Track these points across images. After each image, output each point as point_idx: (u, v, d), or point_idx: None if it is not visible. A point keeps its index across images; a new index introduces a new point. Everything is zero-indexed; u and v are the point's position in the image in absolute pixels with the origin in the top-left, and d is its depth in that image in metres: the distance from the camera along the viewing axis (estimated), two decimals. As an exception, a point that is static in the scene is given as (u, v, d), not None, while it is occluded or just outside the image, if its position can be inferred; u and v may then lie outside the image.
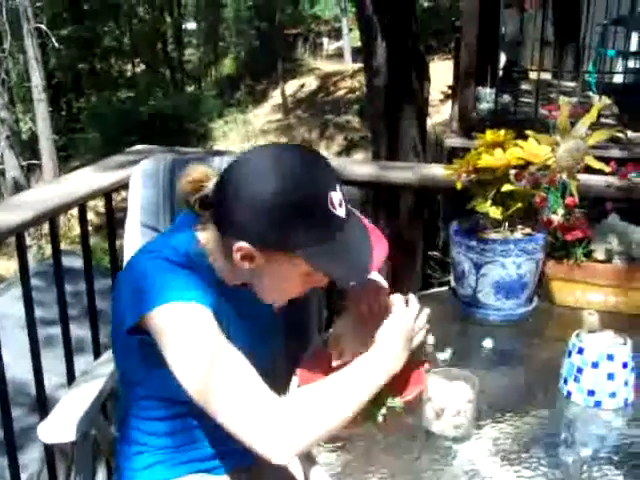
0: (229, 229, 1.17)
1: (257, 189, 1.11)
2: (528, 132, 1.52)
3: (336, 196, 1.14)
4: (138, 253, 1.25)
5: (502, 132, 1.57)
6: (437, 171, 2.07)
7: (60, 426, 1.39)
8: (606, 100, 1.46)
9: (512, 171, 1.59)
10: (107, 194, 2.01)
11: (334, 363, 1.32)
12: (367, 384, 1.17)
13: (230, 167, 1.17)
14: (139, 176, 1.75)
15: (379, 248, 1.25)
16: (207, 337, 1.12)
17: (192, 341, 1.11)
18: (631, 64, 6.97)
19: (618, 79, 6.70)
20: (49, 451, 1.99)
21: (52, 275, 1.92)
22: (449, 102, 12.85)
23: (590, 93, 6.04)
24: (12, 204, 1.78)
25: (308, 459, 1.16)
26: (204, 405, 1.10)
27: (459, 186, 1.59)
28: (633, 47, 7.05)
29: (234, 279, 1.27)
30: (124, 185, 1.90)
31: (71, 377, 2.03)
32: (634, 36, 6.85)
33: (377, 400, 1.25)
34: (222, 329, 1.16)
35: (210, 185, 1.21)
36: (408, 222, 5.18)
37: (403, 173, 2.18)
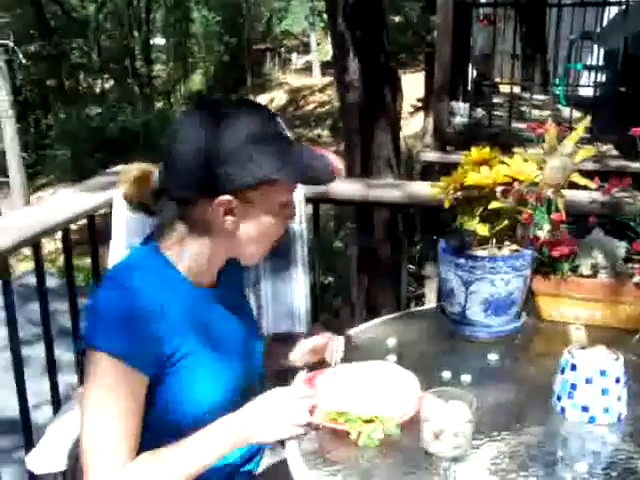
0: (199, 192, 1.18)
1: (211, 140, 1.15)
2: (516, 150, 1.54)
3: (281, 120, 1.22)
4: (103, 280, 1.26)
5: (487, 150, 1.59)
6: (423, 188, 2.08)
7: (50, 455, 1.36)
8: (588, 118, 1.48)
9: (499, 188, 1.60)
10: (90, 217, 1.98)
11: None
12: (203, 460, 1.19)
13: (170, 142, 1.19)
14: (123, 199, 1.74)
15: (332, 158, 1.31)
16: (113, 398, 1.15)
17: (97, 400, 1.16)
18: (598, 77, 7.10)
19: (586, 92, 6.82)
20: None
21: (22, 294, 1.88)
22: (419, 115, 12.98)
23: (559, 106, 6.14)
24: (-3, 228, 1.75)
25: None
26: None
27: (447, 204, 1.59)
28: (599, 61, 7.18)
29: (208, 271, 1.29)
30: (107, 206, 1.88)
31: (55, 400, 1.99)
32: (600, 50, 6.97)
33: (374, 423, 1.25)
34: (197, 333, 1.23)
35: (155, 176, 1.24)
36: (385, 237, 5.21)
37: (390, 191, 2.19)
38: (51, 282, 4.56)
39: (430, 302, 5.23)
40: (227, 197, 1.17)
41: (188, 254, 1.25)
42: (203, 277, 1.29)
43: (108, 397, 1.16)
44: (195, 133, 1.17)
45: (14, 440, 3.10)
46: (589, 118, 1.47)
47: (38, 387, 2.10)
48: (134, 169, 1.26)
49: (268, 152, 1.16)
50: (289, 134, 1.22)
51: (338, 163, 1.31)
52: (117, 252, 1.72)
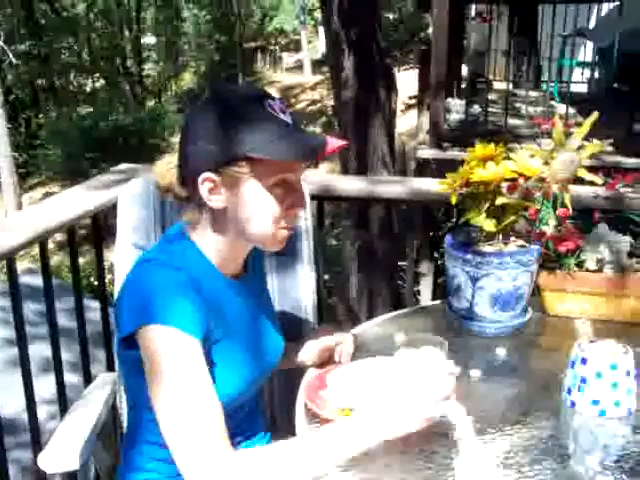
0: (190, 171, 1.21)
1: (194, 121, 1.20)
2: (514, 146, 1.54)
3: (275, 104, 1.20)
4: (135, 265, 1.25)
5: (492, 146, 1.59)
6: (426, 185, 2.09)
7: (62, 454, 1.35)
8: (595, 114, 1.49)
9: (504, 184, 1.61)
10: (95, 216, 1.98)
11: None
12: (337, 456, 1.13)
13: None
14: (128, 196, 1.73)
15: (334, 140, 1.26)
16: (187, 372, 1.12)
17: (172, 372, 1.11)
18: (589, 72, 7.13)
19: (579, 88, 6.84)
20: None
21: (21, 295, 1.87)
22: (411, 112, 12.98)
23: (553, 102, 6.16)
24: (2, 227, 1.75)
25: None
26: (163, 431, 1.11)
27: (454, 200, 1.60)
28: (590, 57, 7.22)
29: (231, 258, 1.29)
30: (112, 205, 1.88)
31: (62, 399, 1.99)
32: (592, 47, 7.00)
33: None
34: (223, 323, 1.22)
35: None
36: (380, 234, 5.22)
37: (393, 187, 2.19)
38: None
39: (425, 299, 5.24)
40: (207, 174, 1.18)
41: (209, 240, 1.26)
42: (228, 265, 1.30)
43: (184, 371, 1.12)
44: (186, 118, 1.24)
45: (12, 440, 3.09)
46: (596, 114, 1.47)
47: (34, 387, 2.09)
48: (164, 158, 1.31)
49: (246, 130, 1.16)
50: (285, 117, 1.20)
51: (336, 143, 1.28)
52: (123, 252, 1.71)
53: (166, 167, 1.28)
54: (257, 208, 1.21)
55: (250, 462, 1.09)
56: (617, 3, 4.91)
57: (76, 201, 1.94)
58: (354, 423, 1.15)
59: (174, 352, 1.12)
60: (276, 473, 1.09)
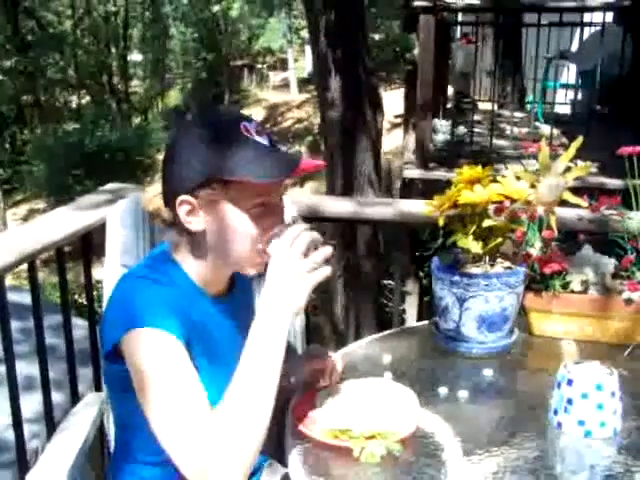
0: (169, 192, 1.23)
1: (174, 144, 1.23)
2: (512, 168, 1.57)
3: (251, 125, 1.21)
4: (118, 281, 1.28)
5: (479, 168, 1.62)
6: (414, 206, 2.11)
7: (50, 476, 1.35)
8: (580, 139, 1.51)
9: (491, 206, 1.63)
10: (84, 235, 1.98)
11: None
12: (273, 359, 1.16)
13: None
14: (117, 216, 1.73)
15: (310, 160, 1.28)
16: (172, 370, 1.14)
17: (158, 371, 1.13)
18: (572, 94, 7.22)
19: (563, 110, 6.93)
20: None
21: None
22: (396, 131, 13.06)
23: (537, 123, 6.23)
24: (-10, 247, 1.75)
25: None
26: (155, 429, 1.13)
27: (441, 222, 1.62)
28: (573, 79, 7.32)
29: (215, 279, 1.31)
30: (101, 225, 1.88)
31: (49, 418, 1.97)
32: (575, 69, 7.09)
33: (376, 439, 1.26)
34: (205, 343, 1.23)
35: None
36: (366, 253, 5.24)
37: (381, 209, 2.21)
38: (27, 299, 4.49)
39: (411, 318, 5.26)
40: (184, 197, 1.20)
41: (191, 262, 1.28)
42: (212, 285, 1.31)
43: (170, 369, 1.14)
44: (170, 139, 1.27)
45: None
46: (581, 139, 1.50)
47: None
48: (154, 186, 1.32)
49: (219, 153, 1.17)
50: (260, 138, 1.21)
51: (312, 162, 1.29)
52: (112, 272, 1.71)
53: (152, 194, 1.30)
54: (234, 230, 1.22)
55: (226, 417, 1.11)
56: (599, 28, 5.00)
57: (65, 221, 1.94)
58: (262, 315, 1.17)
59: (158, 352, 1.14)
60: (251, 406, 1.12)
